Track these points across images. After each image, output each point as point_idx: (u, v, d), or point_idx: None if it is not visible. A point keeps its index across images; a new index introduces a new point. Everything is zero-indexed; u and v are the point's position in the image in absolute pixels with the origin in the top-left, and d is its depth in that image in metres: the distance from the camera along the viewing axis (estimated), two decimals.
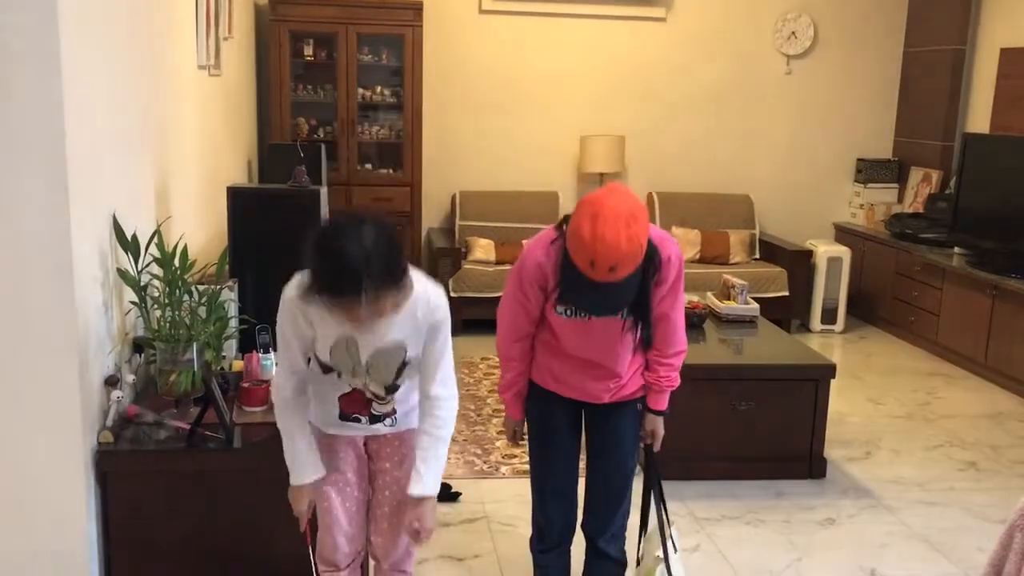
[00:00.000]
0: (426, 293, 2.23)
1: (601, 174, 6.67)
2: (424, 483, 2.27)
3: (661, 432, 2.76)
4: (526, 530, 3.42)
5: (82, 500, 2.59)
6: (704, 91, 6.80)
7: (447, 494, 3.66)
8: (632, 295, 2.32)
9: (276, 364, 2.40)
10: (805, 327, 6.51)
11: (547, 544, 2.82)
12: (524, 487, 3.77)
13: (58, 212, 2.44)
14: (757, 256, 6.69)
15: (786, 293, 6.30)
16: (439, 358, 2.29)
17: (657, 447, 2.78)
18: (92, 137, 2.60)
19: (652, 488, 2.85)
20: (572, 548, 2.83)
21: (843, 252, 6.42)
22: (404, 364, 2.29)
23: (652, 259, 2.32)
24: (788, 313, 6.33)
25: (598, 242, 2.14)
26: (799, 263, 6.35)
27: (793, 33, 6.76)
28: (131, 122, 3.06)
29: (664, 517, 2.81)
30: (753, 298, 5.01)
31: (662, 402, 2.70)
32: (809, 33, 6.76)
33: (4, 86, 2.35)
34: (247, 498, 2.72)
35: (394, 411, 2.39)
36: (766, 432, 3.91)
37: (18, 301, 2.46)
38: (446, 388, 2.30)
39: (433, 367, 2.29)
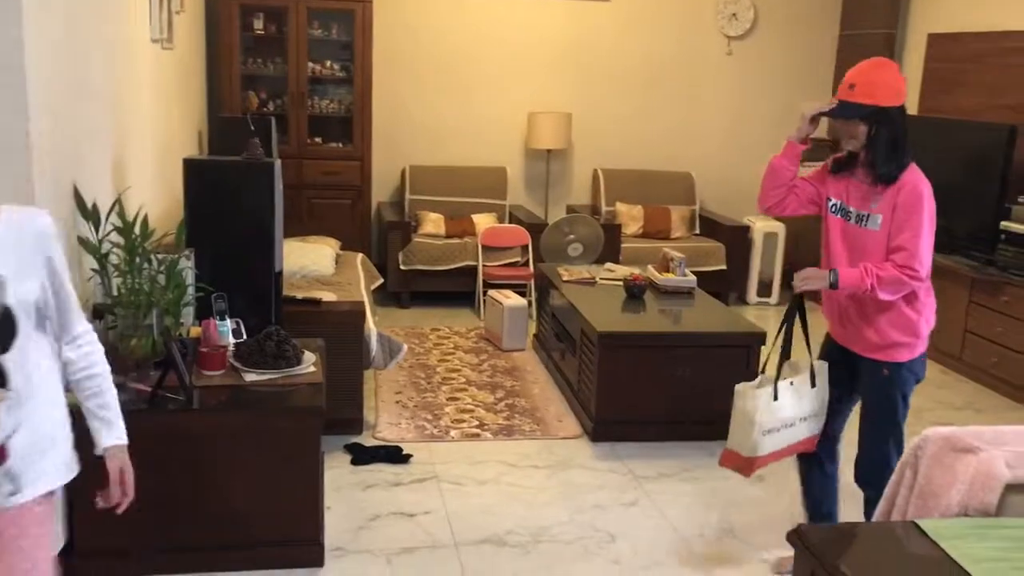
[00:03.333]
0: (23, 210, 1.79)
1: (548, 150, 6.83)
2: (120, 429, 1.99)
3: (812, 279, 2.78)
4: (474, 488, 3.63)
5: None
6: (647, 70, 6.98)
7: (398, 456, 3.81)
8: (857, 116, 2.70)
9: None
10: (742, 300, 6.77)
11: None
12: (473, 449, 3.98)
13: (21, 183, 2.52)
14: (697, 231, 6.92)
15: (724, 267, 6.54)
16: (71, 291, 1.88)
17: (797, 286, 2.82)
18: (54, 110, 2.68)
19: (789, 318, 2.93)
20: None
21: (779, 228, 6.68)
22: (7, 316, 1.68)
23: (891, 118, 2.68)
24: (726, 286, 6.58)
25: (854, 68, 2.75)
26: (737, 238, 6.59)
27: (734, 15, 6.97)
28: (91, 95, 3.13)
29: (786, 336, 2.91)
30: (693, 271, 5.23)
31: (849, 278, 2.72)
32: (749, 15, 6.97)
33: None
34: (206, 457, 2.85)
35: (10, 435, 1.71)
36: (702, 396, 4.12)
37: None
38: (85, 322, 1.95)
39: (70, 306, 1.88)
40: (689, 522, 3.44)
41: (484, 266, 6.10)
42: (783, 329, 2.93)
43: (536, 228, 6.19)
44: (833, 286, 2.75)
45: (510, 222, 6.56)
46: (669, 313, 4.60)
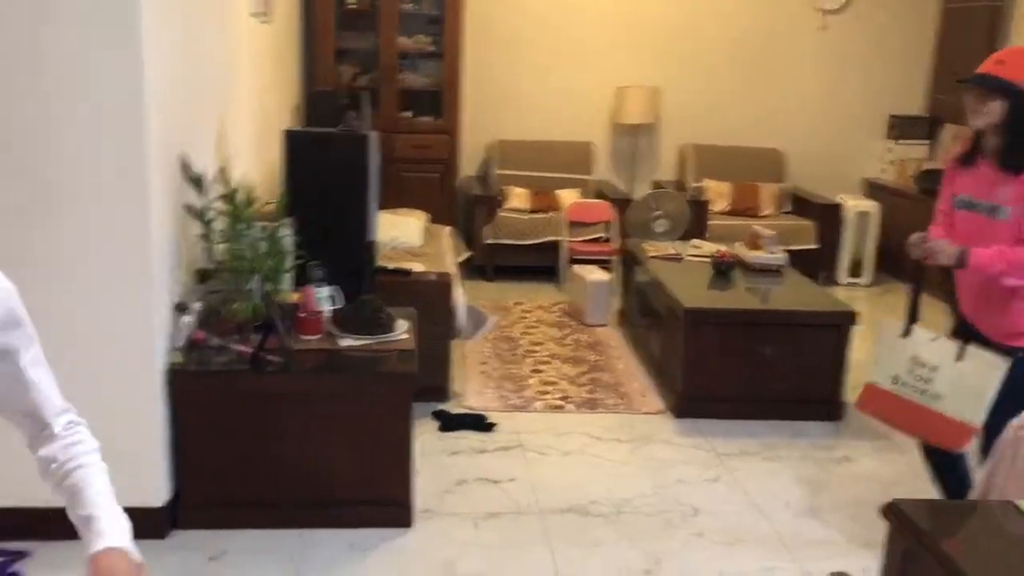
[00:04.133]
0: None
1: (636, 125, 6.79)
2: (115, 531, 1.41)
3: (942, 253, 2.69)
4: (558, 459, 3.68)
5: (156, 415, 2.85)
6: (739, 44, 6.87)
7: (483, 424, 3.89)
8: (998, 90, 2.59)
9: None
10: (832, 280, 6.64)
11: None
12: (556, 421, 4.02)
13: (136, 152, 2.66)
14: (787, 209, 6.81)
15: (814, 246, 6.43)
16: (42, 375, 1.43)
17: (919, 255, 2.75)
18: (165, 83, 2.80)
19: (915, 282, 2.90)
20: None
21: (872, 207, 6.53)
22: None
23: (1019, 103, 2.57)
24: (816, 266, 6.45)
25: (1006, 48, 2.67)
26: (828, 217, 6.47)
27: None
28: (197, 68, 3.26)
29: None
30: (781, 250, 5.17)
31: (981, 258, 2.63)
32: None
33: (89, 39, 2.55)
34: (303, 417, 2.97)
35: None
36: (787, 375, 4.09)
37: (100, 234, 2.69)
38: (65, 402, 1.47)
39: (41, 393, 1.42)
40: (771, 500, 3.43)
41: (569, 241, 6.12)
42: (912, 294, 2.88)
43: (622, 204, 6.18)
44: (962, 265, 2.67)
45: (596, 197, 6.56)
46: (757, 291, 4.56)
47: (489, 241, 6.17)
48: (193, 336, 2.99)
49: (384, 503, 3.06)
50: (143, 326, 2.78)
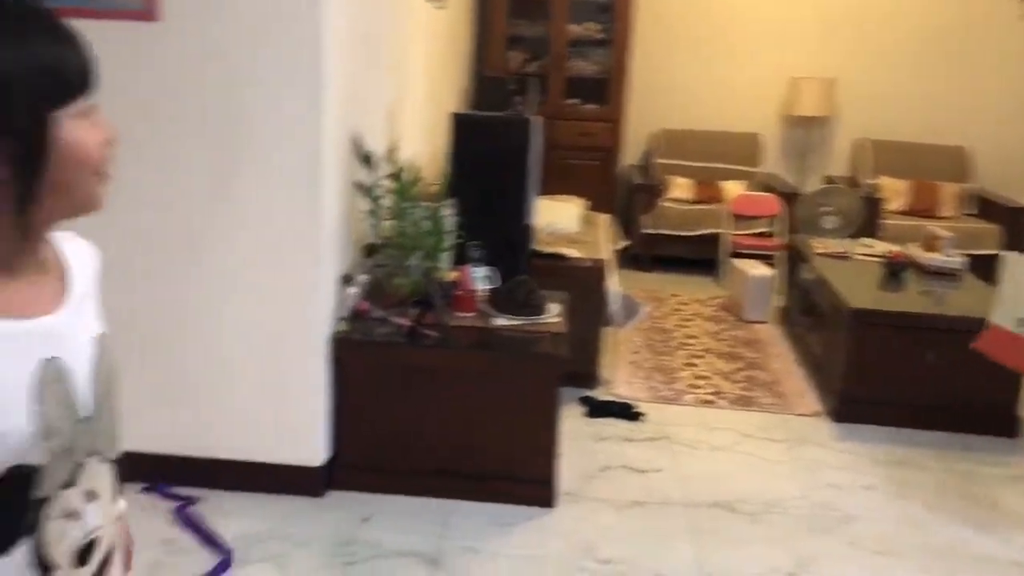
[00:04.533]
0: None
1: (809, 117, 6.55)
2: None
3: None
4: (707, 453, 3.62)
5: (319, 379, 3.00)
6: (925, 35, 6.49)
7: (631, 413, 3.88)
8: None
9: None
10: None
11: None
12: (707, 415, 3.96)
13: (310, 130, 2.80)
14: (971, 211, 6.40)
15: (998, 251, 6.01)
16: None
17: None
18: (341, 67, 2.94)
19: None
20: None
21: None
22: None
23: None
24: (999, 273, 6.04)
25: None
26: (1016, 221, 6.03)
27: None
28: (372, 53, 3.39)
29: None
30: (961, 254, 4.87)
31: None
32: None
33: (275, 24, 2.71)
34: (455, 391, 3.05)
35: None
36: (958, 385, 3.85)
37: (273, 205, 2.85)
38: None
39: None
40: (932, 514, 3.25)
41: (731, 234, 5.98)
42: None
43: (789, 198, 5.99)
44: None
45: (762, 190, 6.38)
46: (931, 295, 4.32)
47: (648, 231, 6.12)
48: (357, 307, 3.12)
49: (528, 481, 3.10)
50: (311, 295, 2.93)
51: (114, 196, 2.84)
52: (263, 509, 2.99)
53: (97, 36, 2.66)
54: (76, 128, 0.89)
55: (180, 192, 2.84)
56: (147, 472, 2.98)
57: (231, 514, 2.96)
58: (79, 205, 0.94)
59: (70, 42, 0.89)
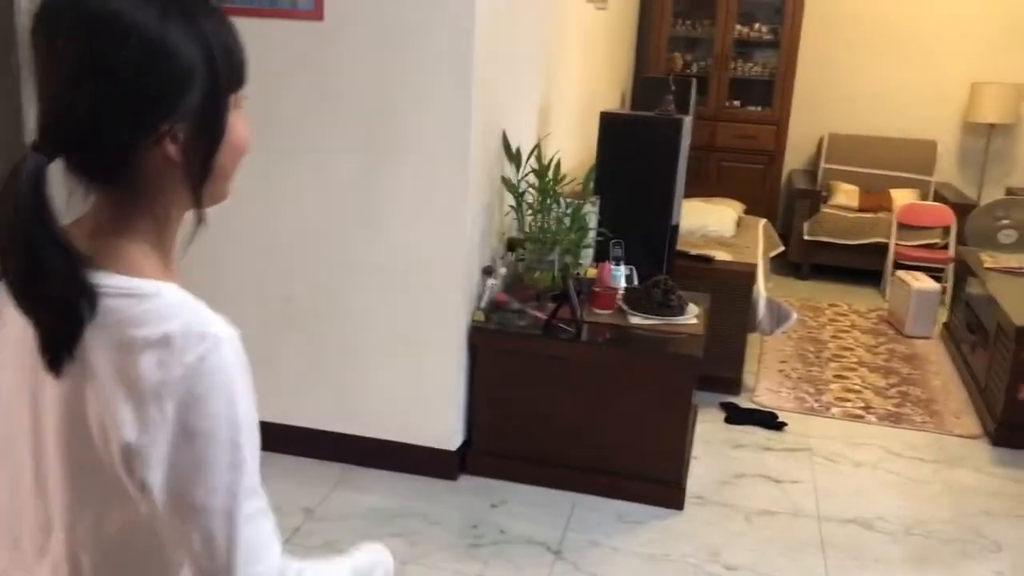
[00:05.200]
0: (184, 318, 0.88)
1: (991, 124, 6.16)
2: None
3: None
4: (848, 468, 3.50)
5: (457, 366, 3.11)
6: None
7: (773, 422, 3.79)
8: None
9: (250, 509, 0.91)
10: None
11: None
12: (853, 430, 3.82)
13: (460, 126, 2.90)
14: None
15: None
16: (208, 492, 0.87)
17: None
18: (491, 63, 3.03)
19: None
20: None
21: None
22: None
23: None
24: None
25: None
26: None
27: None
28: (524, 51, 3.47)
29: None
30: None
31: None
32: None
33: (427, 23, 2.83)
34: (588, 386, 3.09)
35: None
36: None
37: (422, 196, 2.98)
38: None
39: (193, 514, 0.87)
40: None
41: (897, 244, 5.71)
42: None
43: (964, 209, 5.65)
44: None
45: (934, 200, 6.05)
46: None
47: (808, 237, 5.93)
48: (496, 298, 3.21)
49: (657, 481, 3.10)
50: (454, 284, 3.04)
51: (274, 184, 3.06)
52: (399, 487, 3.13)
53: (265, 34, 2.87)
54: (237, 117, 0.93)
55: (336, 183, 3.02)
56: (295, 443, 3.17)
57: (369, 489, 3.11)
58: (221, 194, 0.95)
59: (234, 30, 0.92)
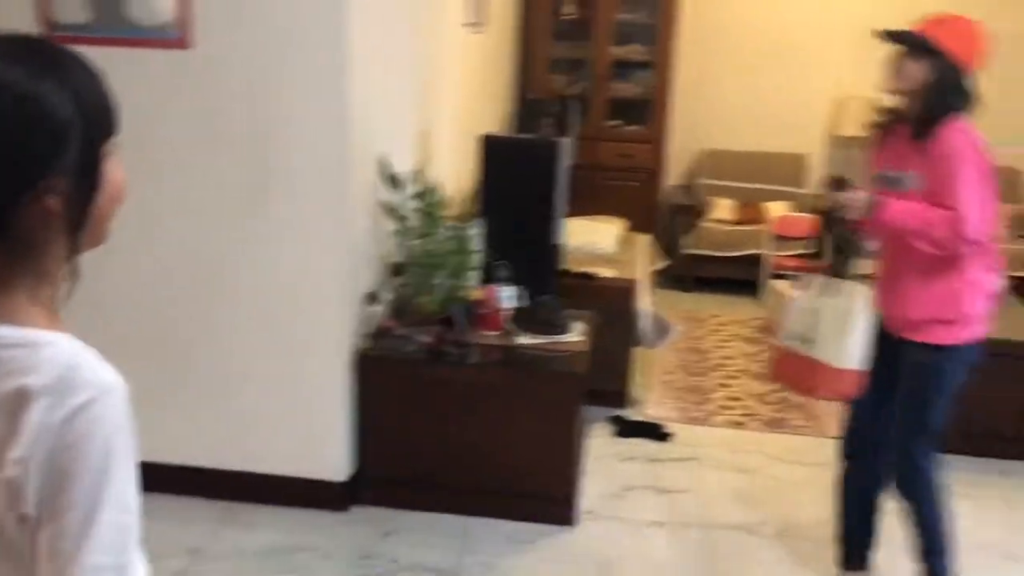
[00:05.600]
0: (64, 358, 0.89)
1: (856, 138, 6.47)
2: None
3: (854, 204, 2.48)
4: (733, 475, 3.61)
5: (343, 396, 3.07)
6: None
7: (660, 433, 3.87)
8: (921, 49, 2.38)
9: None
10: None
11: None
12: (737, 437, 3.94)
13: (337, 151, 2.89)
14: (1021, 233, 6.25)
15: None
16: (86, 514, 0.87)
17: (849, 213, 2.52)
18: (368, 88, 3.02)
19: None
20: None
21: None
22: None
23: (955, 76, 2.37)
24: None
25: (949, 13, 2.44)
26: None
27: None
28: (401, 75, 3.47)
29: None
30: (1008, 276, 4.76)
31: (897, 210, 2.39)
32: None
33: (300, 49, 2.80)
34: (476, 409, 3.10)
35: None
36: (993, 410, 3.77)
37: (302, 224, 2.94)
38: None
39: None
40: (965, 541, 3.18)
41: (773, 255, 5.94)
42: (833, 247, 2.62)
43: (837, 219, 5.90)
44: (873, 214, 2.39)
45: (808, 211, 6.31)
46: None
47: (689, 251, 6.10)
48: (382, 325, 3.19)
49: (549, 499, 3.13)
50: (337, 312, 3.01)
51: (151, 214, 2.96)
52: (287, 522, 3.06)
53: (132, 64, 2.79)
54: (112, 163, 0.95)
55: (211, 211, 2.95)
56: (178, 482, 3.07)
57: (257, 526, 3.04)
58: (101, 238, 0.98)
59: (102, 81, 0.94)
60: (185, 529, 2.97)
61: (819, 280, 2.60)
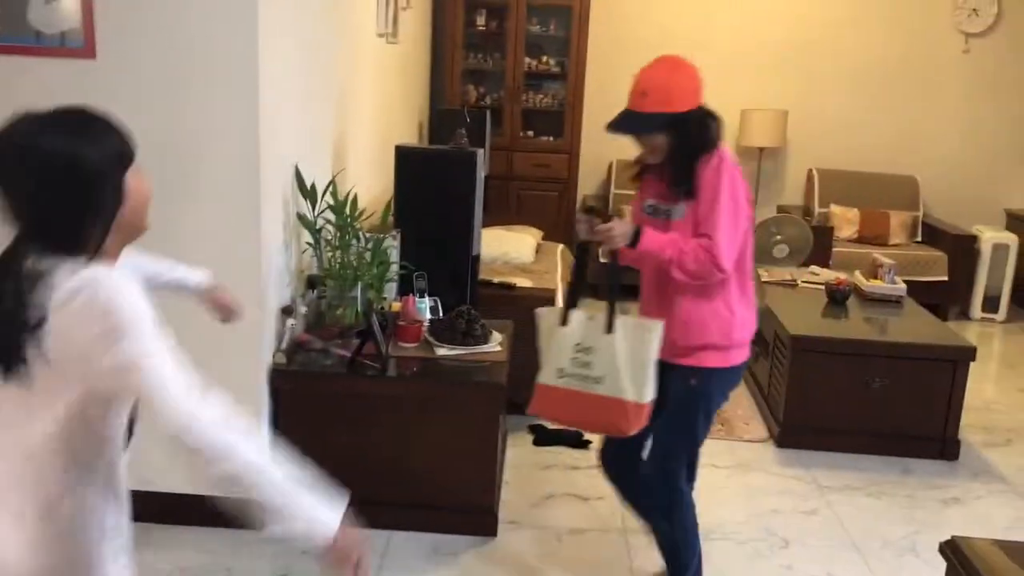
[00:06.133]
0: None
1: (760, 148, 6.68)
2: (328, 516, 1.45)
3: (616, 234, 2.43)
4: None
5: (259, 411, 3.01)
6: (873, 67, 6.65)
7: (579, 441, 3.91)
8: (651, 130, 2.43)
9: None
10: (965, 314, 6.33)
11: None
12: None
13: (249, 163, 2.84)
14: (919, 239, 6.53)
15: (945, 278, 6.14)
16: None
17: (584, 233, 2.53)
18: (279, 99, 2.98)
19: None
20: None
21: (1011, 239, 6.18)
22: None
23: (689, 127, 2.41)
24: (947, 299, 6.17)
25: (642, 71, 2.49)
26: (962, 248, 6.17)
27: (975, 10, 6.50)
28: (314, 86, 3.44)
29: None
30: (910, 281, 5.00)
31: (653, 241, 2.40)
32: (992, 11, 6.48)
33: (208, 58, 2.75)
34: (396, 422, 3.07)
35: None
36: (899, 410, 3.93)
37: (214, 237, 2.88)
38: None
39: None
40: (870, 538, 3.31)
41: None
42: (574, 277, 2.66)
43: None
44: (632, 243, 2.40)
45: None
46: (872, 321, 4.40)
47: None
48: (298, 338, 3.15)
49: (470, 510, 3.12)
50: (251, 326, 2.94)
51: None
52: (204, 542, 2.99)
53: (33, 72, 2.69)
54: (136, 180, 1.43)
55: None
56: None
57: (171, 547, 2.95)
58: (139, 231, 1.48)
59: (119, 126, 1.42)
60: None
61: (584, 313, 2.56)
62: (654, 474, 2.67)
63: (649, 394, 2.43)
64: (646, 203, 2.59)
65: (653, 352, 2.40)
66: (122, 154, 1.40)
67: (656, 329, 2.40)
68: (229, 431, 1.41)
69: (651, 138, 2.46)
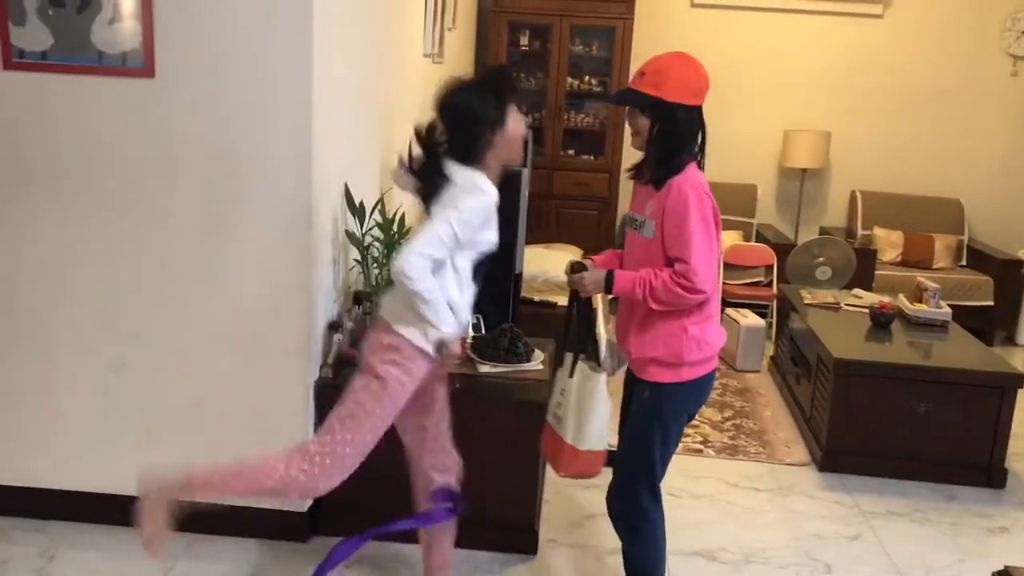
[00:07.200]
0: None
1: (803, 169, 6.65)
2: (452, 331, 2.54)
3: (590, 284, 2.57)
4: (690, 502, 3.65)
5: (305, 425, 3.06)
6: (919, 90, 6.61)
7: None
8: (637, 105, 2.47)
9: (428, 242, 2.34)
10: (1011, 340, 6.23)
11: None
12: (693, 464, 3.99)
13: (302, 181, 2.89)
14: (963, 263, 6.46)
15: (991, 303, 6.06)
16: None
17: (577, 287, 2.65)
18: (331, 118, 3.04)
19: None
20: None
21: None
22: None
23: (673, 117, 2.45)
24: (992, 324, 6.08)
25: (652, 56, 2.55)
26: (1008, 272, 6.08)
27: (1023, 32, 6.44)
28: (364, 106, 3.50)
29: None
30: (955, 306, 4.94)
31: (623, 281, 2.48)
32: None
33: (264, 77, 2.81)
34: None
35: None
36: (944, 436, 3.88)
37: (265, 252, 2.93)
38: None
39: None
40: (913, 565, 3.27)
41: (724, 283, 6.05)
42: (567, 323, 2.76)
43: (784, 248, 6.05)
44: (607, 290, 2.49)
45: (757, 241, 6.46)
46: (916, 345, 4.36)
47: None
48: (344, 353, 3.18)
49: (510, 528, 3.14)
50: (299, 341, 3.00)
51: (112, 245, 2.92)
52: (249, 553, 3.03)
53: (96, 91, 2.78)
54: (514, 118, 2.35)
55: (176, 240, 2.93)
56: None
57: (218, 557, 3.00)
58: (511, 161, 2.43)
59: (508, 84, 2.41)
60: (145, 561, 2.91)
61: (569, 358, 2.67)
62: (616, 490, 2.71)
63: (588, 443, 2.57)
64: (627, 214, 2.66)
65: (597, 403, 2.55)
66: (512, 91, 2.36)
67: (598, 381, 2.56)
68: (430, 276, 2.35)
69: (636, 119, 2.49)
